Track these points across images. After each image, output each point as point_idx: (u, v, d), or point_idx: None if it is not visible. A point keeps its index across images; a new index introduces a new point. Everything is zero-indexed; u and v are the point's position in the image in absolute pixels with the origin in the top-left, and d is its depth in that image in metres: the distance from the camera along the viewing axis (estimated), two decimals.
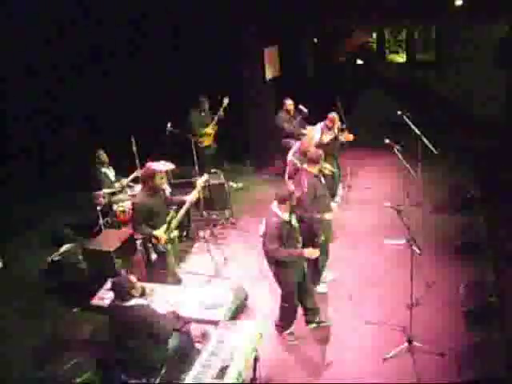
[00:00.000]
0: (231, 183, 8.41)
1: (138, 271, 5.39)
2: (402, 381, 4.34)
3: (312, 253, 4.60)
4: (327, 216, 5.23)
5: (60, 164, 8.78)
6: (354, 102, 10.98)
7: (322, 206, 5.27)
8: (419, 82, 11.67)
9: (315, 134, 7.06)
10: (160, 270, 5.24)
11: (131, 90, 9.03)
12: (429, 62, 11.76)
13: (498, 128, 9.54)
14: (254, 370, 3.97)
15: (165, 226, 5.15)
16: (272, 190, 7.89)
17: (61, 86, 8.75)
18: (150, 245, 5.21)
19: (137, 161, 6.89)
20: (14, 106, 8.73)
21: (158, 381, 3.97)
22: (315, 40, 12.03)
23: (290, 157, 6.55)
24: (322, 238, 5.25)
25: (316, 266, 5.47)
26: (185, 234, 6.92)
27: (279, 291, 4.88)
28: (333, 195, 6.81)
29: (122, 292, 3.92)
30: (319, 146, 6.55)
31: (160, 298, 4.50)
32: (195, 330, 4.82)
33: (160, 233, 5.09)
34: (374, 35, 12.89)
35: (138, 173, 6.72)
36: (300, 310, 5.01)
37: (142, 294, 4.13)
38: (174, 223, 5.25)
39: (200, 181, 5.65)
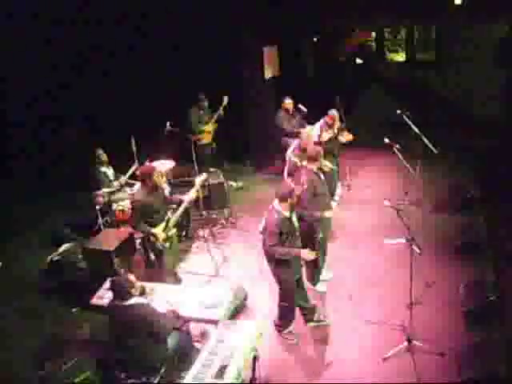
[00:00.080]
0: (231, 182, 8.42)
1: (137, 270, 5.39)
2: (402, 380, 4.34)
3: (309, 254, 4.59)
4: (327, 214, 5.23)
5: (60, 164, 8.77)
6: (353, 102, 10.98)
7: (322, 204, 5.28)
8: (419, 82, 11.65)
9: (314, 131, 7.07)
10: (158, 269, 5.25)
11: (131, 90, 9.03)
12: (429, 61, 11.75)
13: (497, 128, 9.52)
14: (254, 369, 3.97)
15: (163, 225, 5.16)
16: (272, 189, 7.84)
17: (61, 86, 8.75)
18: (148, 243, 5.22)
19: (136, 160, 6.90)
20: (14, 106, 8.73)
21: (157, 380, 3.97)
22: (315, 39, 12.03)
23: (288, 154, 6.56)
24: (321, 235, 5.25)
25: (316, 266, 5.48)
26: (184, 233, 6.93)
27: (278, 290, 4.88)
28: (332, 194, 6.81)
29: (122, 291, 3.93)
30: (318, 143, 6.57)
31: (160, 298, 4.50)
32: (195, 329, 4.84)
33: (158, 231, 5.10)
34: (374, 34, 12.89)
35: (135, 168, 6.73)
36: (298, 309, 5.00)
37: (142, 294, 4.14)
38: (172, 222, 5.26)
39: (198, 180, 5.65)
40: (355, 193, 8.12)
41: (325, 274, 5.76)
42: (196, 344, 4.59)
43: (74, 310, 5.60)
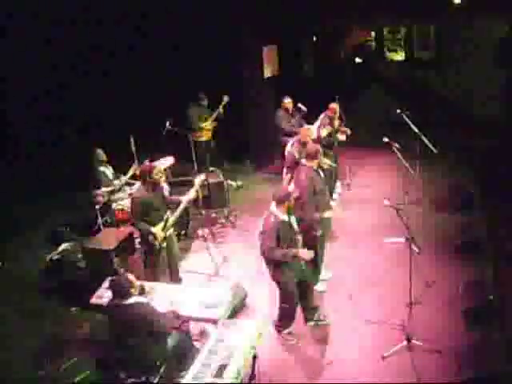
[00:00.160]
0: (230, 182, 8.43)
1: (136, 270, 5.39)
2: (402, 380, 4.34)
3: (307, 254, 4.59)
4: (327, 214, 5.23)
5: (60, 164, 8.78)
6: (353, 102, 10.98)
7: (322, 202, 5.28)
8: (419, 82, 11.66)
9: (313, 128, 7.11)
10: (153, 269, 5.26)
11: (131, 90, 9.04)
12: (428, 60, 11.75)
13: (497, 128, 9.53)
14: (253, 368, 3.96)
15: (162, 224, 5.17)
16: (272, 188, 7.87)
17: (61, 86, 8.75)
18: (146, 243, 5.22)
19: (136, 160, 6.91)
20: (13, 106, 8.73)
21: (157, 379, 3.97)
22: (314, 39, 12.04)
23: (288, 148, 6.58)
24: (320, 232, 5.25)
25: (315, 265, 5.48)
26: (184, 232, 6.93)
27: (278, 291, 4.88)
28: (330, 192, 6.83)
29: (122, 291, 3.93)
30: (317, 141, 6.60)
31: (159, 297, 4.50)
32: (194, 328, 4.84)
33: (157, 230, 5.11)
34: (373, 34, 12.90)
35: (135, 169, 6.74)
36: (299, 309, 5.00)
37: (141, 293, 4.14)
38: (171, 222, 5.27)
39: (197, 180, 5.66)
40: (355, 192, 8.13)
41: (324, 274, 5.76)
42: (196, 343, 4.59)
43: (73, 309, 5.60)
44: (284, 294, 4.80)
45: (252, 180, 9.04)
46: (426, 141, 7.02)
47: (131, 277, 4.03)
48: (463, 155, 8.84)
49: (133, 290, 3.96)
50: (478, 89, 10.07)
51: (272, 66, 9.47)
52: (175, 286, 5.16)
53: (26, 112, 8.72)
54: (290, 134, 7.82)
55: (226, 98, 8.34)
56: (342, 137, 7.54)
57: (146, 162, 6.54)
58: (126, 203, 6.65)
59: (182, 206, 5.42)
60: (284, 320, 4.96)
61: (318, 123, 7.45)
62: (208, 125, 8.58)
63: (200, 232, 7.05)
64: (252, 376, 3.99)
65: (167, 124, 7.32)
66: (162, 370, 4.02)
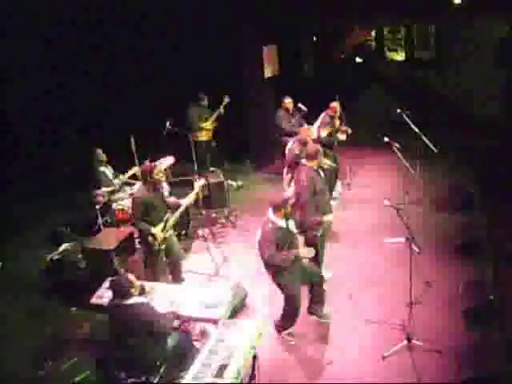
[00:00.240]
0: (230, 182, 8.43)
1: (137, 270, 5.39)
2: (402, 380, 4.34)
3: (307, 252, 4.60)
4: (326, 218, 5.22)
5: (60, 164, 8.78)
6: (353, 102, 10.98)
7: (322, 202, 5.28)
8: (419, 81, 11.66)
9: (314, 128, 7.12)
10: (154, 269, 5.26)
11: (131, 90, 9.04)
12: (428, 60, 11.76)
13: (497, 128, 9.53)
14: (253, 368, 3.96)
15: (162, 225, 5.18)
16: (272, 188, 7.95)
17: (61, 86, 8.76)
18: (145, 243, 5.22)
19: (136, 161, 6.91)
20: (13, 106, 8.74)
21: (157, 379, 3.97)
22: (314, 38, 12.04)
23: (289, 147, 6.59)
24: (320, 233, 5.25)
25: (317, 265, 5.48)
26: (184, 232, 6.93)
27: (279, 292, 4.88)
28: (330, 191, 6.83)
29: (122, 291, 3.93)
30: (317, 141, 6.61)
31: (160, 297, 4.50)
32: (194, 328, 4.83)
33: (157, 231, 5.12)
34: (373, 33, 12.91)
35: (135, 169, 6.74)
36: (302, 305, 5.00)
37: (141, 293, 4.14)
38: (170, 223, 5.28)
39: (197, 184, 5.67)
40: (355, 192, 8.13)
41: (324, 274, 5.75)
42: (196, 343, 4.59)
43: (73, 309, 5.60)
44: (286, 296, 4.81)
45: (252, 180, 9.03)
46: (426, 140, 7.02)
47: (131, 277, 4.03)
48: (463, 155, 8.84)
49: (133, 290, 3.96)
50: (477, 89, 10.06)
51: (272, 66, 9.48)
52: (175, 286, 5.16)
53: (26, 112, 8.72)
54: (291, 134, 7.82)
55: (226, 99, 8.37)
56: (342, 136, 7.54)
57: (147, 162, 6.55)
58: (126, 203, 6.66)
59: (181, 209, 5.44)
60: (285, 321, 4.96)
61: (318, 123, 7.46)
62: (208, 125, 8.60)
63: (200, 232, 7.05)
64: (252, 376, 3.99)
65: (167, 124, 7.33)
66: (162, 370, 4.01)
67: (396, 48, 12.81)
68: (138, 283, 4.07)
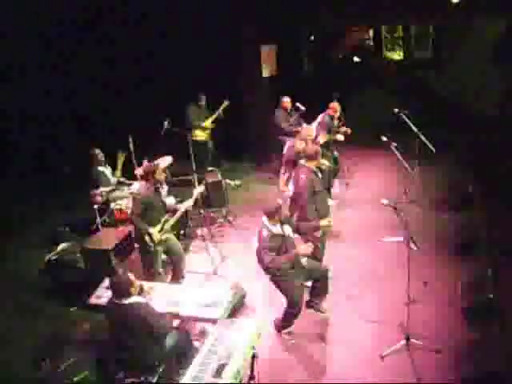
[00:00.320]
0: (229, 181, 8.43)
1: (135, 270, 5.39)
2: (402, 379, 4.33)
3: (306, 248, 4.61)
4: (323, 223, 5.19)
5: (60, 164, 8.78)
6: (352, 101, 10.98)
7: (320, 203, 5.28)
8: (417, 81, 11.66)
9: (313, 128, 7.12)
10: (152, 269, 5.26)
11: (131, 90, 9.05)
12: (425, 59, 11.77)
13: (497, 126, 9.52)
14: (252, 368, 3.96)
15: (159, 226, 5.19)
16: (272, 188, 7.93)
17: (61, 86, 8.76)
18: (141, 241, 5.22)
19: (134, 160, 6.94)
20: (13, 106, 8.74)
21: (156, 379, 3.97)
22: (312, 38, 12.05)
23: (289, 145, 6.59)
24: (320, 233, 5.25)
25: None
26: (182, 232, 6.93)
27: (278, 292, 4.88)
28: (329, 191, 6.84)
29: (121, 290, 3.93)
30: (315, 140, 6.61)
31: (159, 297, 4.50)
32: (193, 328, 4.83)
33: (155, 231, 5.12)
34: (371, 33, 12.92)
35: (121, 156, 6.77)
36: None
37: (141, 293, 4.14)
38: (168, 226, 5.29)
39: (196, 191, 5.69)
40: (354, 191, 8.14)
41: None
42: (195, 343, 4.59)
43: (72, 309, 5.60)
44: (289, 300, 4.82)
45: (252, 180, 9.04)
46: (425, 140, 7.02)
47: (131, 276, 4.03)
48: (463, 155, 8.84)
49: (132, 290, 3.96)
50: (477, 87, 10.07)
51: (270, 65, 9.50)
52: (175, 286, 5.16)
53: (26, 112, 8.72)
54: (289, 134, 7.84)
55: (226, 102, 8.40)
56: (340, 137, 7.54)
57: (145, 162, 6.57)
58: (124, 203, 6.67)
59: (179, 213, 5.46)
60: (286, 321, 4.97)
61: (317, 122, 7.45)
62: (208, 124, 8.62)
63: (199, 232, 7.06)
64: (251, 376, 3.99)
65: (165, 124, 7.34)
66: (161, 369, 4.02)
67: (394, 47, 12.83)
68: (138, 283, 4.08)
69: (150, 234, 5.11)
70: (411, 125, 7.08)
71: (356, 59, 12.70)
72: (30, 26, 8.08)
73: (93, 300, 4.68)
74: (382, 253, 6.13)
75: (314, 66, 12.40)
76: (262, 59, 9.15)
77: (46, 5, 7.85)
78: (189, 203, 5.56)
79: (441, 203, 7.45)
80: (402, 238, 4.64)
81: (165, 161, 7.35)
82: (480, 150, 8.85)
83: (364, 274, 5.89)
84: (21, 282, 6.32)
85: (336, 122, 7.52)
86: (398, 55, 12.79)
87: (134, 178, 7.07)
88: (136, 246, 5.77)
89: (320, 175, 5.45)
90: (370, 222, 7.00)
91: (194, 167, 7.12)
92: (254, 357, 3.85)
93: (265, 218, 4.63)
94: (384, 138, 6.90)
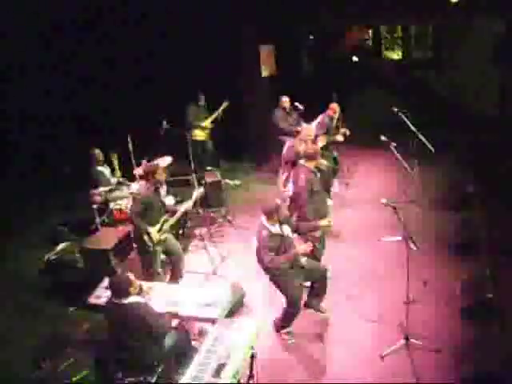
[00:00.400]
0: (228, 181, 8.43)
1: (135, 270, 5.39)
2: (401, 379, 4.33)
3: (305, 248, 4.62)
4: (322, 222, 5.20)
5: (60, 164, 8.79)
6: (351, 101, 10.98)
7: (318, 203, 5.28)
8: (416, 80, 11.66)
9: (312, 128, 7.11)
10: (151, 268, 5.27)
11: (131, 90, 9.05)
12: (425, 59, 11.77)
13: (497, 126, 9.52)
14: (251, 368, 3.96)
15: (158, 226, 5.19)
16: (271, 188, 7.93)
17: (60, 86, 8.77)
18: (139, 241, 5.22)
19: (133, 160, 6.94)
20: (13, 106, 8.74)
21: (155, 379, 3.97)
22: (311, 37, 12.05)
23: (288, 145, 6.60)
24: (319, 233, 5.25)
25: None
26: (181, 232, 6.94)
27: (278, 292, 4.88)
28: (328, 191, 6.83)
29: (121, 290, 3.93)
30: (314, 140, 6.61)
31: (158, 297, 4.50)
32: (193, 327, 4.83)
33: (154, 231, 5.13)
34: (371, 33, 12.93)
35: (115, 158, 6.81)
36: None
37: (140, 292, 4.14)
38: (167, 226, 5.29)
39: (195, 193, 5.70)
40: (354, 191, 8.14)
41: None
42: (194, 343, 4.59)
43: (71, 309, 5.60)
44: (288, 299, 4.83)
45: (251, 179, 9.03)
46: (424, 139, 7.02)
47: (131, 276, 4.03)
48: (463, 155, 8.83)
49: (132, 290, 3.95)
50: (476, 87, 10.07)
51: (269, 65, 9.51)
52: (174, 286, 5.17)
53: (26, 112, 8.73)
54: (288, 133, 7.84)
55: (225, 103, 8.41)
56: (339, 138, 7.53)
57: (144, 162, 6.58)
58: (124, 203, 6.67)
59: (178, 214, 5.46)
60: (285, 320, 4.97)
61: (316, 121, 7.44)
62: (207, 124, 8.62)
63: (198, 231, 7.05)
64: (250, 376, 3.99)
65: (164, 123, 7.35)
66: (160, 369, 4.02)
67: (393, 47, 12.84)
68: (137, 283, 4.08)
69: (149, 234, 5.12)
70: (410, 124, 7.08)
71: (355, 59, 12.70)
72: (30, 25, 8.08)
73: (92, 300, 4.67)
74: (382, 253, 6.13)
75: (314, 65, 12.40)
76: (261, 59, 9.16)
77: (46, 5, 7.85)
78: (188, 205, 5.57)
79: (441, 203, 7.44)
80: (400, 238, 4.64)
81: (164, 161, 7.36)
82: (480, 149, 8.84)
83: (364, 273, 5.89)
84: (21, 281, 6.32)
85: (335, 123, 7.50)
86: (397, 55, 12.80)
87: (133, 177, 7.08)
88: (135, 246, 5.77)
89: (319, 175, 5.46)
90: (369, 221, 7.00)
91: (193, 167, 7.12)
92: (253, 356, 3.86)
93: (264, 218, 4.63)
94: (383, 138, 6.90)
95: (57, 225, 7.31)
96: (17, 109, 8.74)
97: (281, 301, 4.95)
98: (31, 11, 7.91)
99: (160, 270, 5.42)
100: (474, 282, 5.38)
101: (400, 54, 12.63)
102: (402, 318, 4.78)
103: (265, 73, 9.33)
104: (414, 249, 4.51)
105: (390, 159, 7.57)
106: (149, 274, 5.25)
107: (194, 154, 7.39)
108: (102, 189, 6.85)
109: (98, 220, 6.66)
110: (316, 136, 6.93)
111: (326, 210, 5.40)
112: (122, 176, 7.15)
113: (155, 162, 6.17)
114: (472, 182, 7.73)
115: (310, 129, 6.80)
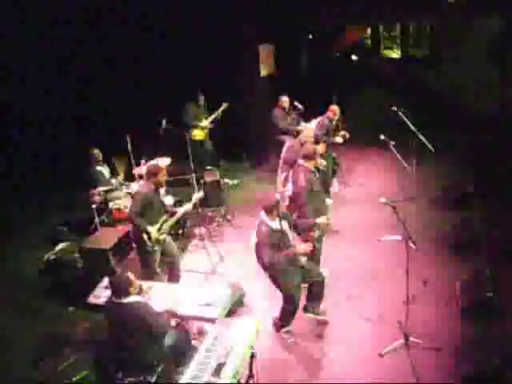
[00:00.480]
0: (227, 180, 8.43)
1: (134, 269, 5.39)
2: (401, 378, 4.33)
3: (304, 247, 4.61)
4: (321, 220, 5.19)
5: (60, 164, 8.79)
6: (350, 100, 10.98)
7: (317, 203, 5.28)
8: (414, 79, 11.65)
9: (312, 128, 7.11)
10: (151, 268, 5.27)
11: (130, 90, 9.04)
12: (423, 58, 11.76)
13: (496, 125, 9.52)
14: (251, 368, 3.96)
15: (158, 226, 5.19)
16: (271, 188, 7.92)
17: (60, 86, 8.77)
18: (138, 240, 5.22)
19: (132, 160, 6.94)
20: (13, 105, 8.74)
21: (154, 378, 3.97)
22: (310, 36, 12.04)
23: (289, 144, 6.59)
24: (318, 233, 5.25)
25: (317, 262, 5.48)
26: (181, 231, 6.94)
27: (277, 291, 4.88)
28: (327, 190, 6.83)
29: (121, 290, 3.93)
30: (314, 140, 6.61)
31: (157, 296, 4.50)
32: (192, 327, 4.83)
33: (153, 230, 5.13)
34: (369, 31, 12.94)
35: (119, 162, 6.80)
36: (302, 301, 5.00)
37: (139, 292, 4.14)
38: (166, 226, 5.30)
39: (195, 196, 5.70)
40: (353, 190, 8.15)
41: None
42: (194, 342, 4.58)
43: (70, 308, 5.60)
44: (285, 296, 4.83)
45: (251, 179, 9.03)
46: (423, 139, 7.01)
47: (131, 276, 4.03)
48: (463, 155, 8.83)
49: (132, 289, 3.96)
50: (475, 86, 10.06)
51: (268, 65, 9.51)
52: (173, 286, 5.17)
53: (26, 112, 8.73)
54: (287, 133, 7.84)
55: (225, 104, 8.42)
56: (339, 140, 7.52)
57: (143, 162, 6.59)
58: (123, 202, 6.67)
59: (178, 215, 5.47)
60: (284, 319, 4.97)
61: (316, 121, 7.44)
62: (207, 123, 8.63)
63: (197, 231, 7.05)
64: (250, 375, 3.99)
65: (163, 123, 7.35)
66: (159, 369, 4.02)
67: (391, 46, 12.84)
68: (137, 282, 4.08)
69: (148, 233, 5.12)
70: (410, 124, 7.07)
71: (354, 57, 12.69)
72: (30, 25, 8.08)
73: (91, 299, 4.67)
74: (382, 252, 6.13)
75: (314, 65, 12.39)
76: (260, 59, 9.16)
77: (46, 5, 7.85)
78: (187, 207, 5.57)
79: (441, 203, 7.44)
80: (399, 237, 4.64)
81: (163, 162, 7.37)
82: (480, 149, 8.84)
83: (364, 273, 5.89)
84: (21, 281, 6.32)
85: (335, 125, 7.49)
86: (395, 54, 12.80)
87: (132, 178, 7.08)
88: (134, 245, 5.77)
89: (318, 175, 5.46)
90: (369, 221, 7.00)
91: (192, 167, 7.12)
92: (252, 356, 3.86)
93: (263, 213, 4.62)
94: (382, 137, 6.90)
95: (57, 225, 7.32)
96: (17, 109, 8.74)
97: (280, 300, 4.95)
98: (31, 11, 7.91)
99: (159, 269, 5.42)
100: (473, 281, 5.37)
101: (399, 52, 12.63)
102: (402, 317, 4.79)
103: (264, 72, 9.33)
104: (414, 247, 4.51)
105: (390, 159, 7.57)
106: (148, 274, 5.25)
107: (193, 154, 7.39)
108: (100, 188, 6.86)
109: (97, 220, 6.66)
110: (316, 136, 6.93)
111: (325, 210, 5.39)
112: (125, 178, 7.17)
113: (154, 162, 6.17)
114: (472, 182, 7.75)
115: (310, 129, 6.80)
